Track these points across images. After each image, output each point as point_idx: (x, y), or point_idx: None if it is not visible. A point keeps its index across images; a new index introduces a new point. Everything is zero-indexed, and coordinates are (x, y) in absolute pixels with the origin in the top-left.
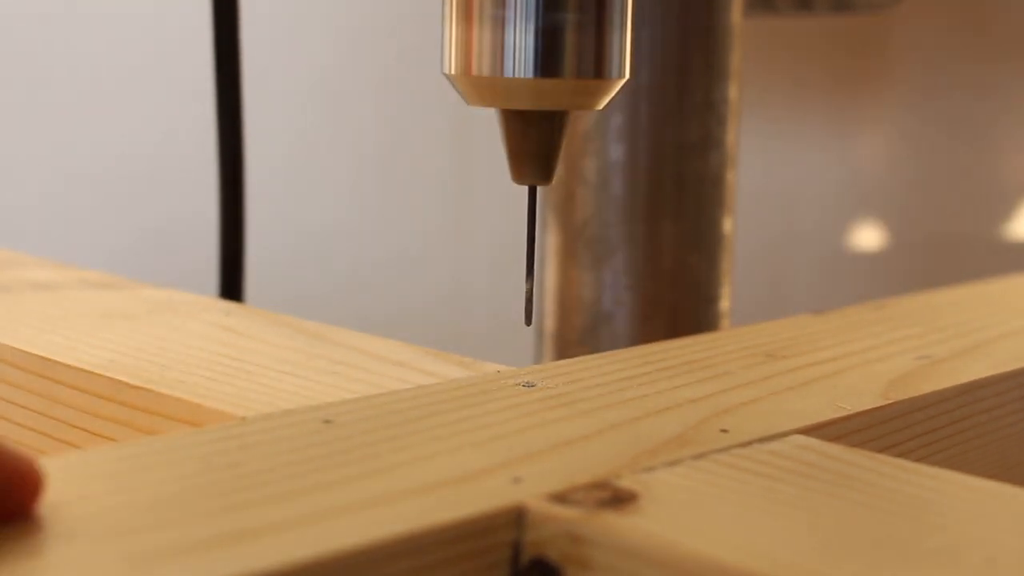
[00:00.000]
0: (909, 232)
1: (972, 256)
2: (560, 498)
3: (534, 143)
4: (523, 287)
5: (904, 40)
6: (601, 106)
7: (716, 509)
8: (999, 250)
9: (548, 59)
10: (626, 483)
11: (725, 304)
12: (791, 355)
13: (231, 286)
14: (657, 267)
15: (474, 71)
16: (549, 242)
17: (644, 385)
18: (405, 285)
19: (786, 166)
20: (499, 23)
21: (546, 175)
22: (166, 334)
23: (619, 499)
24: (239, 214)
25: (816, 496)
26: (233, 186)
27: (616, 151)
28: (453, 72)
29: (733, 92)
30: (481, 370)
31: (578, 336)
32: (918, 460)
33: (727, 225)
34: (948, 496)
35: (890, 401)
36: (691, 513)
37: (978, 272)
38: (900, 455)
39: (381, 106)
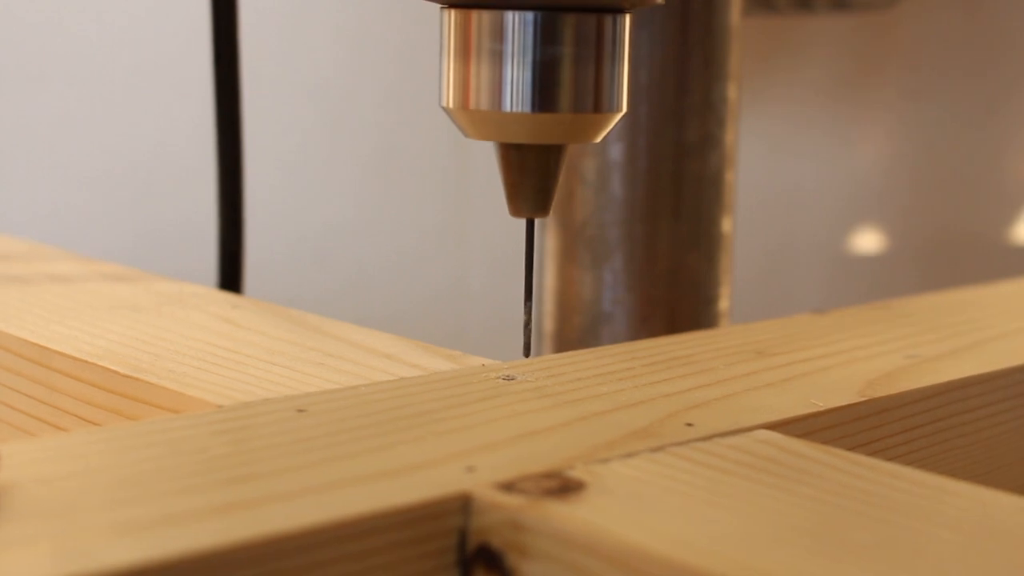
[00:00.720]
0: (909, 232)
1: (973, 255)
2: (507, 487)
3: (531, 176)
4: (523, 287)
5: (904, 40)
6: (598, 139)
7: (660, 500)
8: (999, 249)
9: (545, 93)
10: (577, 473)
11: (725, 304)
12: (780, 352)
13: (230, 286)
14: (657, 267)
15: (472, 105)
16: (548, 242)
17: (623, 380)
18: (405, 285)
19: (786, 166)
20: (496, 58)
21: (543, 208)
22: (168, 325)
23: (566, 488)
24: (238, 213)
25: (764, 489)
26: (232, 185)
27: (615, 151)
28: (451, 106)
29: (733, 92)
30: (468, 364)
31: (578, 336)
32: (896, 458)
33: (727, 225)
34: (900, 492)
35: (865, 399)
36: (634, 503)
37: (979, 271)
38: (876, 453)
39: (381, 106)
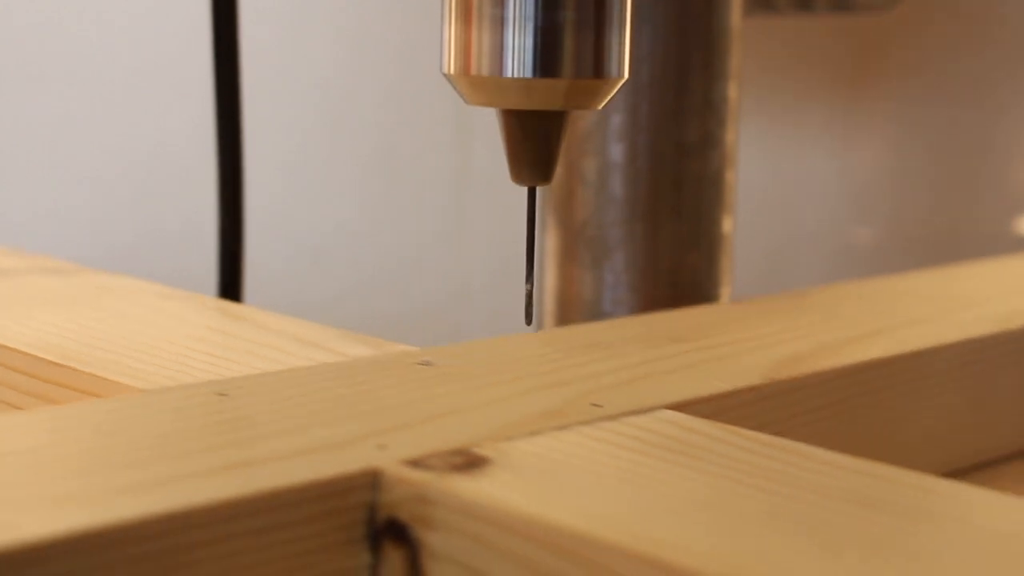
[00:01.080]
0: (910, 231)
1: (973, 255)
2: (415, 463)
3: (533, 143)
4: (523, 287)
5: (904, 40)
6: (600, 106)
7: (560, 474)
8: (1000, 249)
9: (546, 59)
10: (483, 450)
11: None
12: (693, 339)
13: (230, 287)
14: (657, 267)
15: (473, 71)
16: (548, 242)
17: (538, 364)
18: (405, 285)
19: (786, 166)
20: (497, 23)
21: (545, 175)
22: (101, 316)
23: (471, 464)
24: (238, 214)
25: (660, 464)
26: (232, 186)
27: (616, 151)
28: (452, 72)
29: (733, 92)
30: (388, 350)
31: None
32: (800, 438)
33: (727, 225)
34: (791, 466)
35: (768, 381)
36: (535, 477)
37: None
38: (781, 433)
39: (381, 105)
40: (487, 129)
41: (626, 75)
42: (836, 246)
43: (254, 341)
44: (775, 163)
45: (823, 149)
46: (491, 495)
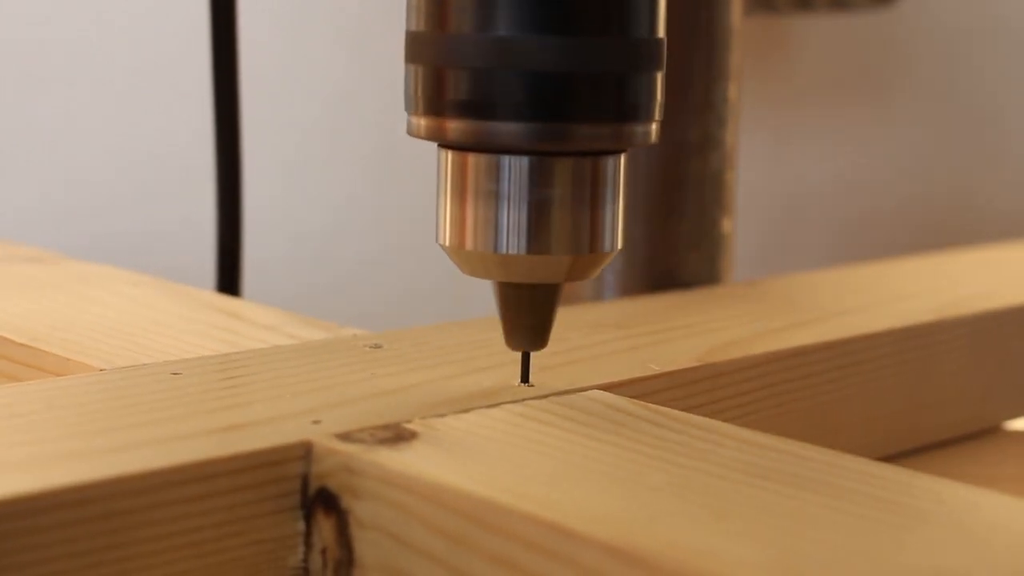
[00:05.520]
0: (910, 231)
1: None
2: (345, 436)
3: (527, 313)
4: None
5: (904, 39)
6: (594, 276)
7: (483, 448)
8: None
9: (541, 235)
10: (412, 426)
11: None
12: (634, 325)
13: (228, 284)
14: (657, 267)
15: (468, 246)
16: None
17: (481, 348)
18: (405, 284)
19: (786, 166)
20: (492, 199)
21: (540, 342)
22: (70, 301)
23: (399, 438)
24: (236, 212)
25: (581, 439)
26: (230, 184)
27: None
28: (447, 245)
29: (733, 92)
30: (341, 334)
31: None
32: (731, 419)
33: (727, 225)
34: (702, 441)
35: (700, 363)
36: (458, 451)
37: None
38: (712, 415)
39: (380, 104)
40: None
41: (619, 247)
42: (836, 246)
43: (214, 325)
44: (775, 163)
45: (823, 149)
46: (412, 466)
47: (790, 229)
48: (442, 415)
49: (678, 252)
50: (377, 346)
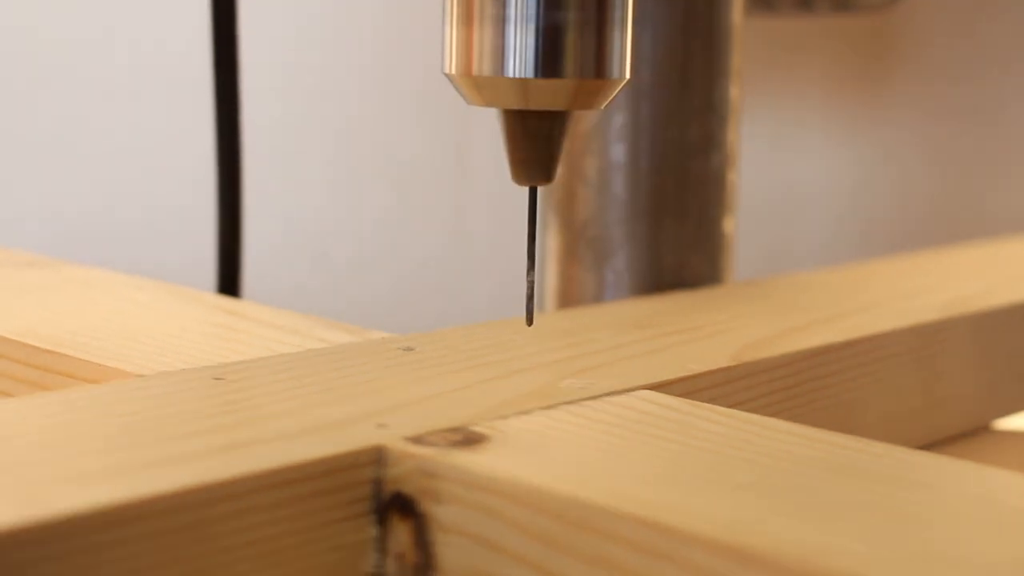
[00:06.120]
0: (910, 231)
1: None
2: (417, 440)
3: (534, 143)
4: (524, 286)
5: (904, 40)
6: (602, 107)
7: (556, 448)
8: None
9: (548, 59)
10: (479, 428)
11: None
12: (657, 325)
13: (228, 285)
14: (658, 267)
15: (474, 71)
16: (550, 242)
17: (514, 349)
18: (405, 284)
19: (787, 166)
20: (499, 23)
21: (547, 176)
22: (81, 306)
23: (470, 440)
24: (236, 209)
25: (649, 439)
26: (230, 181)
27: (617, 151)
28: (453, 72)
29: (733, 92)
30: (368, 337)
31: None
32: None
33: (728, 225)
34: (771, 440)
35: (737, 363)
36: (532, 452)
37: None
38: (748, 411)
39: (382, 104)
40: (489, 125)
41: (628, 76)
42: (836, 246)
43: (238, 329)
44: (775, 163)
45: (823, 149)
46: (495, 467)
47: (790, 229)
48: (504, 417)
49: (679, 252)
50: (409, 349)
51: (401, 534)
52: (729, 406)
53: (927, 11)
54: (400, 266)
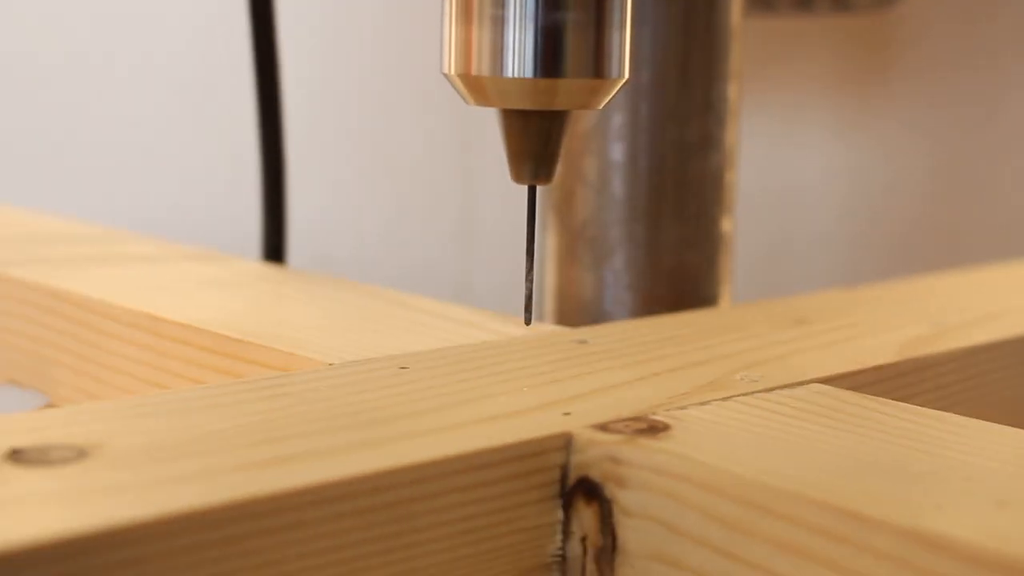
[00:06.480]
0: (910, 231)
1: (976, 254)
2: (603, 427)
3: (534, 143)
4: (524, 286)
5: (904, 39)
6: (601, 106)
7: (736, 437)
8: (1002, 247)
9: (548, 59)
10: (660, 417)
11: (725, 303)
12: (818, 321)
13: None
14: (657, 267)
15: (473, 71)
16: (549, 242)
17: (683, 343)
18: (408, 284)
19: (786, 166)
20: (498, 23)
21: (546, 175)
22: (259, 298)
23: (654, 429)
24: (281, 215)
25: (827, 431)
26: (275, 187)
27: (616, 151)
28: (452, 72)
29: (733, 92)
30: (541, 330)
31: None
32: None
33: (727, 225)
34: (946, 433)
35: (903, 358)
36: (714, 440)
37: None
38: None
39: (386, 104)
40: (491, 126)
41: (627, 75)
42: (837, 246)
43: (414, 321)
44: (775, 163)
45: (823, 149)
46: (680, 454)
47: (790, 229)
48: (683, 407)
49: (678, 252)
50: (583, 341)
51: (586, 518)
52: (894, 399)
53: (926, 11)
54: (403, 267)
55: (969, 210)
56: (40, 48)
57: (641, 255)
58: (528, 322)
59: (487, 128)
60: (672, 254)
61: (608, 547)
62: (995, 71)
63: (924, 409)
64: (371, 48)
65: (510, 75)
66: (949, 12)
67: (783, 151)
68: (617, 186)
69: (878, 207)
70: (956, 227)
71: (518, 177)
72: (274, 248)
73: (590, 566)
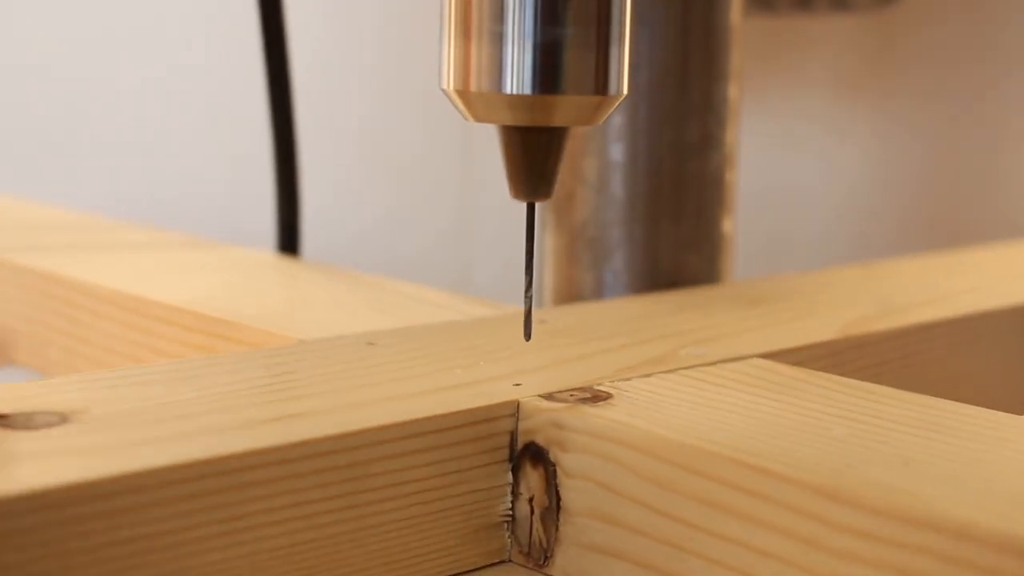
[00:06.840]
0: (910, 231)
1: None
2: (548, 396)
3: (533, 159)
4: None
5: (904, 39)
6: (600, 122)
7: (675, 406)
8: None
9: (546, 75)
10: (604, 387)
11: None
12: (771, 302)
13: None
14: (657, 267)
15: (472, 87)
16: (549, 242)
17: (638, 321)
18: (407, 278)
19: (786, 166)
20: (497, 39)
21: (545, 192)
22: (240, 281)
23: (596, 398)
24: (295, 208)
25: (760, 400)
26: (288, 180)
27: (616, 151)
28: (451, 88)
29: (733, 92)
30: (505, 311)
31: None
32: None
33: (727, 225)
34: (870, 401)
35: (843, 336)
36: (651, 408)
37: None
38: None
39: (386, 104)
40: (493, 131)
41: (625, 92)
42: (837, 246)
43: (385, 301)
44: (775, 163)
45: (823, 149)
46: (619, 420)
47: (790, 229)
48: (627, 379)
49: (677, 252)
50: (543, 321)
51: (532, 480)
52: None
53: (925, 10)
54: (403, 266)
55: (968, 210)
56: (45, 49)
57: (641, 255)
58: (528, 338)
59: (487, 129)
60: (672, 254)
61: (553, 507)
62: (994, 71)
63: (853, 380)
64: (371, 48)
65: (509, 91)
66: (948, 12)
67: (783, 151)
68: (617, 186)
69: (877, 207)
70: (955, 226)
71: (517, 193)
72: (289, 240)
73: (536, 525)
